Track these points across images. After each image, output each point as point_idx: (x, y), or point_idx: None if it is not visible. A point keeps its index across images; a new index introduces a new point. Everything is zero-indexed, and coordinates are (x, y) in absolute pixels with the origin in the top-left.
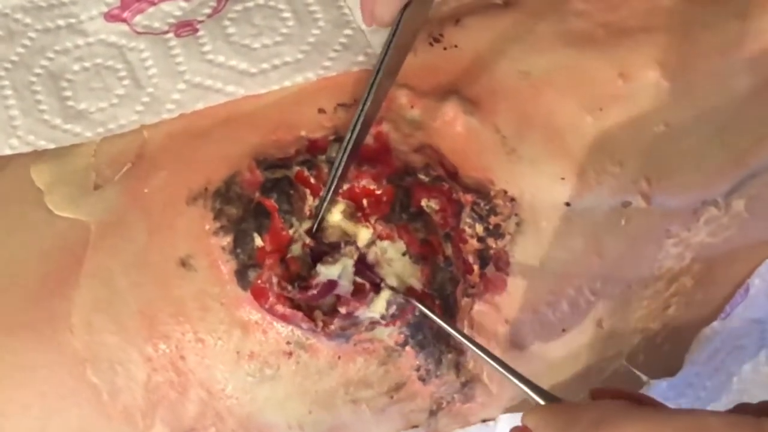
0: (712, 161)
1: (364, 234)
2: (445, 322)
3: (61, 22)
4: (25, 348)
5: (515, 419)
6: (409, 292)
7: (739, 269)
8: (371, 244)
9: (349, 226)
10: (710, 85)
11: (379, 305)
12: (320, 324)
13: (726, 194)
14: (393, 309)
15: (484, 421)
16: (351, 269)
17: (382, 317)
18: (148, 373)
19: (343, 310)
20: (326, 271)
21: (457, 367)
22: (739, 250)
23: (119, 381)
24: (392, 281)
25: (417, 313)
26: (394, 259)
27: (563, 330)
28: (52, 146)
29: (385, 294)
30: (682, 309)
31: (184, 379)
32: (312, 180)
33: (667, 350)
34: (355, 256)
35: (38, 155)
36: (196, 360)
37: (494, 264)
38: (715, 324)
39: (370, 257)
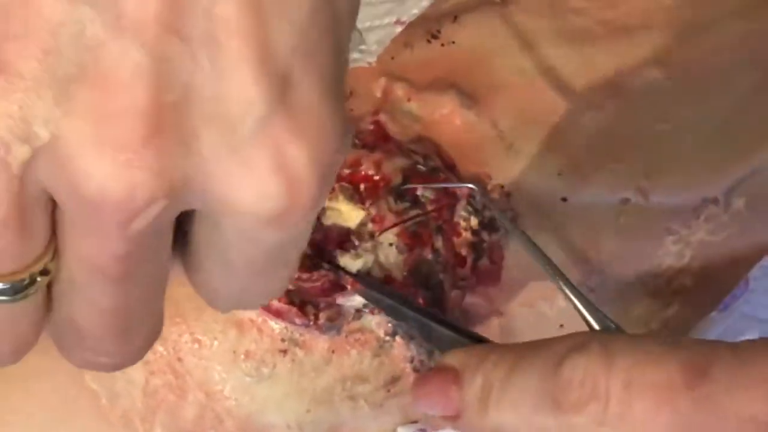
0: (712, 159)
1: (356, 215)
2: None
3: None
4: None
5: None
6: (388, 280)
7: (740, 269)
8: (361, 226)
9: (345, 208)
10: (711, 83)
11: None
12: (312, 318)
13: (726, 192)
14: None
15: None
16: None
17: (364, 305)
18: (146, 376)
19: (321, 301)
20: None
21: None
22: (739, 249)
23: (118, 385)
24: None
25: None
26: (381, 246)
27: (561, 325)
28: None
29: None
30: (683, 308)
31: (182, 382)
32: None
33: None
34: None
35: None
36: (194, 361)
37: (488, 257)
38: (713, 315)
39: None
